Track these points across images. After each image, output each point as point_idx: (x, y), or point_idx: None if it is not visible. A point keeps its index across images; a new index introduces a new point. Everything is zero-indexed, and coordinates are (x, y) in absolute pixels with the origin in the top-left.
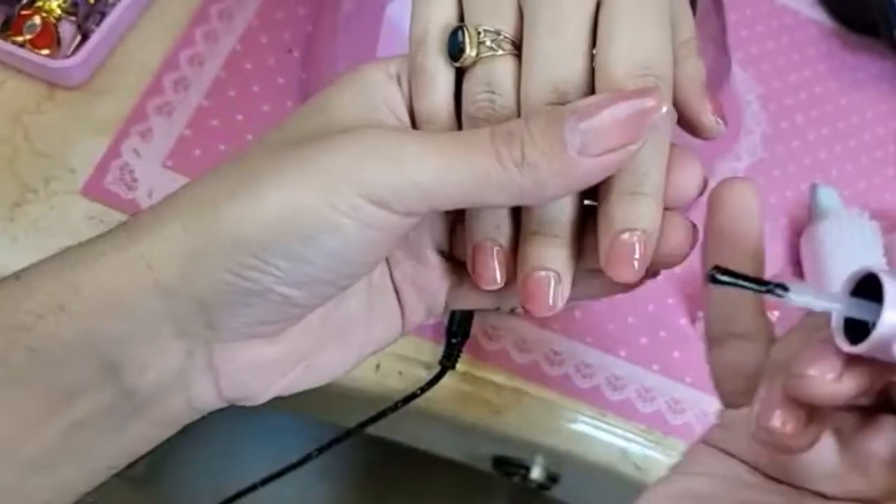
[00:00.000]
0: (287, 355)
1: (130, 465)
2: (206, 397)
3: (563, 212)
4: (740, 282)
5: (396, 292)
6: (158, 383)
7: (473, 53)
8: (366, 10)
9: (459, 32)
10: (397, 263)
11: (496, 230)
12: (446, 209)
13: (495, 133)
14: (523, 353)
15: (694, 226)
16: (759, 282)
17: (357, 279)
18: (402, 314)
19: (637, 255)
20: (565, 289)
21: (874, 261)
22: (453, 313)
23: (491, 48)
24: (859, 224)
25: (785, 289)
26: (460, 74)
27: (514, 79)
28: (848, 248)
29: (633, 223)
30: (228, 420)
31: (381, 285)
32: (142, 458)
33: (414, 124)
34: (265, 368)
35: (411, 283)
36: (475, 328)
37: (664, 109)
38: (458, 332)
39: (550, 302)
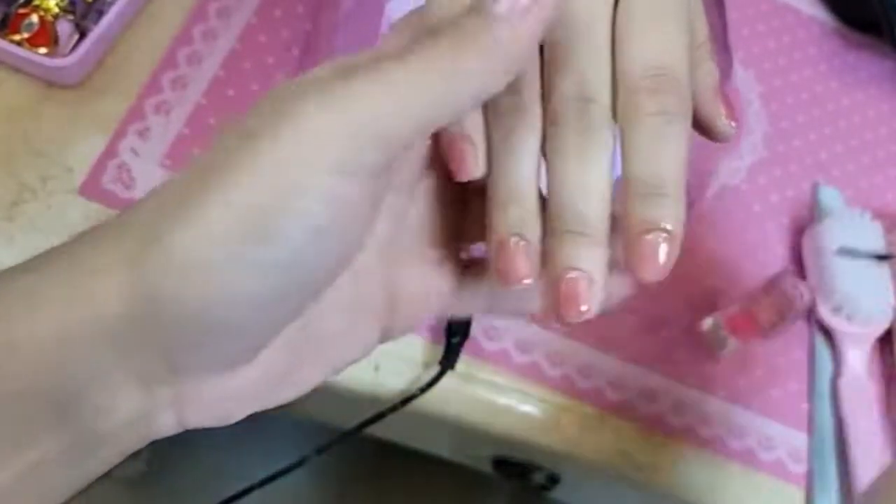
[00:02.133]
0: (259, 380)
1: (128, 467)
2: (167, 428)
3: (595, 207)
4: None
5: (388, 300)
6: (115, 424)
7: None
8: (365, 8)
9: None
10: (392, 269)
11: (521, 224)
12: (410, 143)
13: (424, 43)
14: (523, 354)
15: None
16: None
17: (319, 284)
18: (385, 323)
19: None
20: (599, 292)
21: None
22: None
23: None
24: (861, 224)
25: None
26: None
27: (538, 72)
28: (850, 248)
29: (657, 222)
30: None
31: (363, 300)
32: (140, 458)
33: None
34: (233, 397)
35: (400, 295)
36: (475, 328)
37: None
38: (457, 332)
39: (584, 307)
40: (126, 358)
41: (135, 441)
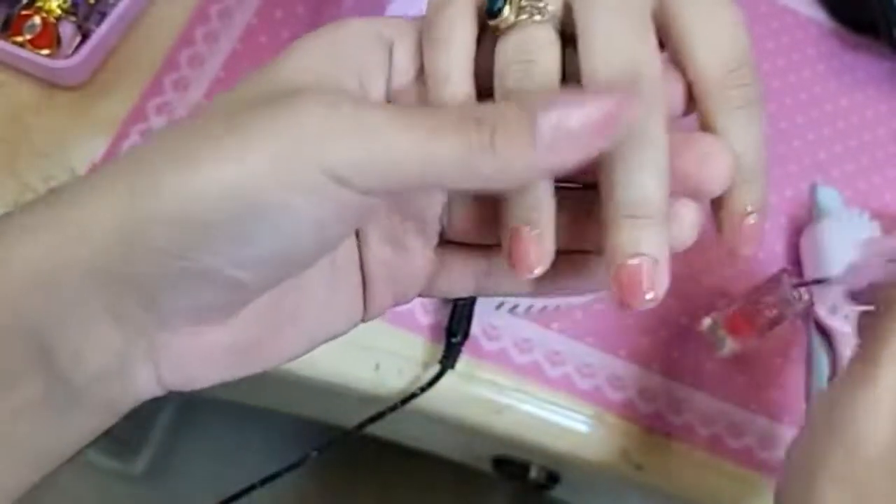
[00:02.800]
0: (234, 342)
1: (129, 464)
2: (146, 386)
3: (660, 186)
4: None
5: (364, 279)
6: (94, 371)
7: (513, 16)
8: (366, 8)
9: None
10: (371, 248)
11: (534, 212)
12: (402, 190)
13: (465, 115)
14: (523, 353)
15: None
16: None
17: (309, 261)
18: (366, 301)
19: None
20: (666, 275)
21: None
22: (453, 313)
23: (532, 12)
24: (859, 224)
25: None
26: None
27: (555, 49)
28: (848, 247)
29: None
30: (228, 420)
31: (345, 270)
32: (141, 456)
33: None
34: (210, 356)
35: (384, 270)
36: (475, 328)
37: (645, 114)
38: (457, 331)
39: (650, 294)
40: (108, 292)
41: (115, 399)
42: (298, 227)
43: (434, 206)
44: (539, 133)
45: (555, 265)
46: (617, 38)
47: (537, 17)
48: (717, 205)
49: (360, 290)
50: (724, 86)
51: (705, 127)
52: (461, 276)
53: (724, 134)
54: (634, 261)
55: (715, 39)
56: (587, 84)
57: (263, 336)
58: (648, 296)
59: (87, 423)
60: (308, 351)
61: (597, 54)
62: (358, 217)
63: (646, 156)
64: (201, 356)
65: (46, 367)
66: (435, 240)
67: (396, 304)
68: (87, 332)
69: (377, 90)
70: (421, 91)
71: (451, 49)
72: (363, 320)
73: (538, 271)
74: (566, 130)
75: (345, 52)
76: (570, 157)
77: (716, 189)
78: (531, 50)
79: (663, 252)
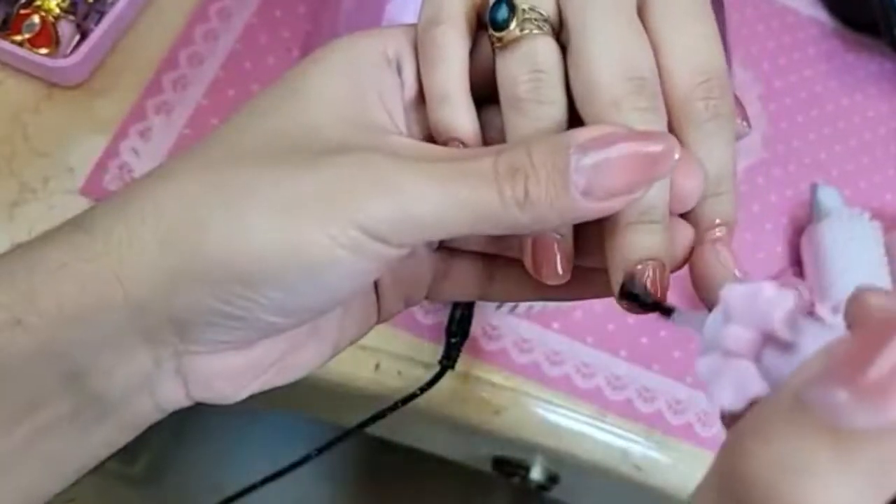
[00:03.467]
0: (260, 360)
1: (129, 465)
2: (173, 400)
3: (661, 194)
4: (640, 300)
5: (375, 287)
6: (124, 389)
7: (518, 30)
8: (366, 8)
9: (504, 4)
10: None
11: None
12: (439, 239)
13: (498, 168)
14: (523, 353)
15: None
16: (657, 305)
17: (343, 303)
18: (379, 307)
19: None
20: (667, 276)
21: (875, 260)
22: (453, 313)
23: (536, 26)
24: (860, 224)
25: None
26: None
27: (560, 61)
28: (849, 247)
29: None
30: (228, 420)
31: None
32: (141, 457)
33: (411, 120)
34: (237, 374)
35: (393, 277)
36: (475, 328)
37: (676, 157)
38: (457, 331)
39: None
40: (139, 327)
41: (143, 411)
42: (341, 279)
43: None
44: (574, 177)
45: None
46: (615, 46)
47: (540, 30)
48: (686, 217)
49: (374, 298)
50: (692, 98)
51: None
52: (465, 282)
53: (691, 146)
54: (643, 266)
55: (686, 51)
56: (587, 93)
57: (288, 352)
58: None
59: (114, 436)
60: (330, 359)
61: (595, 61)
62: (392, 264)
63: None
64: (228, 375)
65: (76, 388)
66: (433, 247)
67: (407, 306)
68: (118, 355)
69: (398, 112)
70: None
71: (447, 67)
72: (379, 322)
73: (564, 277)
74: (600, 170)
75: (362, 78)
76: (603, 206)
77: (687, 203)
78: (539, 62)
79: (667, 254)
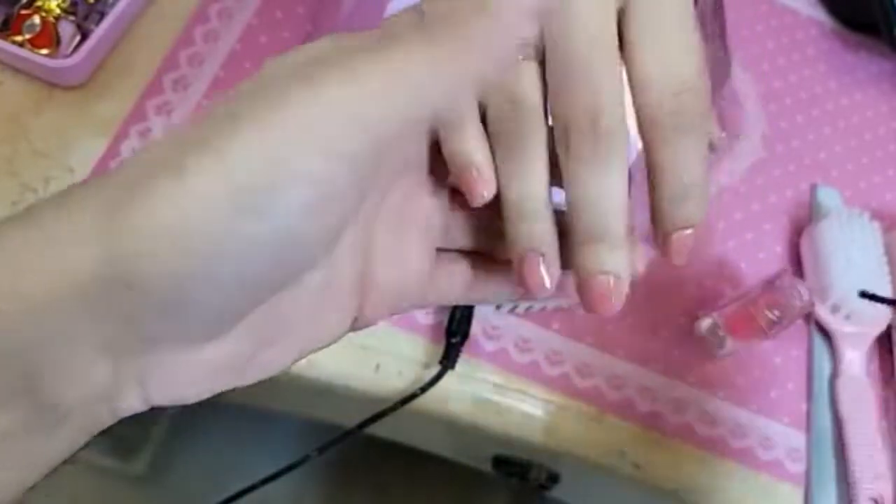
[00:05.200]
0: (223, 358)
1: (129, 464)
2: (132, 406)
3: (616, 215)
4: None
5: (362, 289)
6: (81, 397)
7: None
8: (366, 9)
9: None
10: (373, 258)
11: (538, 238)
12: (395, 133)
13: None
14: (523, 353)
15: None
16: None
17: (301, 265)
18: (361, 311)
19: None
20: (625, 286)
21: (875, 260)
22: (453, 313)
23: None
24: (860, 224)
25: None
26: None
27: (540, 86)
28: (848, 247)
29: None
30: (229, 420)
31: (337, 282)
32: (141, 456)
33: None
34: (199, 373)
35: (383, 280)
36: (475, 328)
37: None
38: (457, 332)
39: (615, 303)
40: (96, 324)
41: (99, 418)
42: (292, 214)
43: (437, 219)
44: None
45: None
46: (582, 72)
47: (520, 55)
48: (653, 215)
49: (351, 302)
50: (661, 111)
51: (644, 144)
52: (450, 285)
53: (659, 158)
54: (600, 278)
55: (660, 63)
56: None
57: (253, 350)
58: (614, 303)
59: (72, 439)
60: (296, 362)
61: (560, 86)
62: (349, 198)
63: (605, 187)
64: (190, 374)
65: (32, 393)
66: (433, 250)
67: (392, 314)
68: (73, 359)
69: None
70: None
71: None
72: (356, 329)
73: (550, 289)
74: None
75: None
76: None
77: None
78: (517, 91)
79: (624, 268)
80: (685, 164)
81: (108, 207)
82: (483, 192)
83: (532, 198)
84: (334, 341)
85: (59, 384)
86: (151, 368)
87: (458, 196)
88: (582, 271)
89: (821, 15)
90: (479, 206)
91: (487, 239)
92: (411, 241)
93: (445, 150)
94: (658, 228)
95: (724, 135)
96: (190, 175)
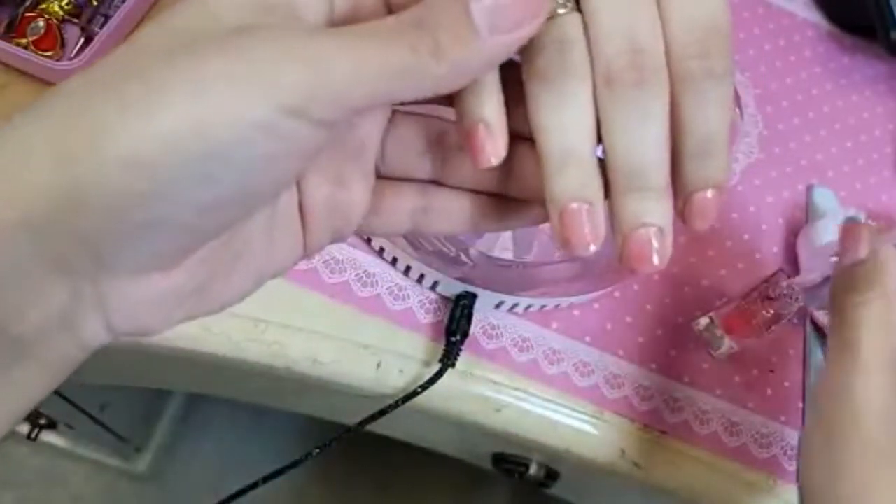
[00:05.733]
0: (183, 286)
1: (132, 462)
2: (96, 335)
3: (659, 160)
4: None
5: (302, 216)
6: (39, 325)
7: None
8: None
9: None
10: (311, 187)
11: (583, 187)
12: (361, 110)
13: (403, 21)
14: (523, 352)
15: None
16: None
17: (264, 200)
18: (305, 239)
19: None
20: (669, 243)
21: None
22: (453, 312)
23: (560, 5)
24: None
25: None
26: None
27: (582, 32)
28: None
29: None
30: (231, 418)
31: (285, 209)
32: (144, 455)
33: None
34: (161, 301)
35: (323, 208)
36: (475, 327)
37: None
38: (457, 330)
39: (656, 260)
40: (50, 248)
41: (66, 350)
42: (255, 163)
43: (373, 141)
44: (477, 18)
45: (496, 206)
46: (620, 13)
47: (565, 8)
48: (674, 176)
49: (299, 227)
50: (685, 55)
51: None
52: (396, 215)
53: (682, 104)
54: (642, 231)
55: (686, 7)
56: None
57: (212, 278)
58: (655, 261)
59: (37, 380)
60: (256, 288)
61: (600, 27)
62: (312, 150)
63: (647, 131)
64: (151, 302)
65: None
66: (372, 177)
67: (334, 241)
68: (27, 286)
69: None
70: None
71: (485, 97)
72: (309, 254)
73: (495, 161)
74: (501, 10)
75: None
76: (512, 37)
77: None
78: (563, 35)
79: (668, 221)
80: (710, 114)
81: (70, 126)
82: (492, 156)
83: (579, 145)
84: (292, 266)
85: (13, 312)
86: (110, 293)
87: (397, 121)
88: (624, 224)
89: (817, 18)
90: (484, 167)
91: (433, 166)
92: (347, 169)
93: (456, 106)
94: (680, 190)
95: (738, 111)
96: (148, 107)
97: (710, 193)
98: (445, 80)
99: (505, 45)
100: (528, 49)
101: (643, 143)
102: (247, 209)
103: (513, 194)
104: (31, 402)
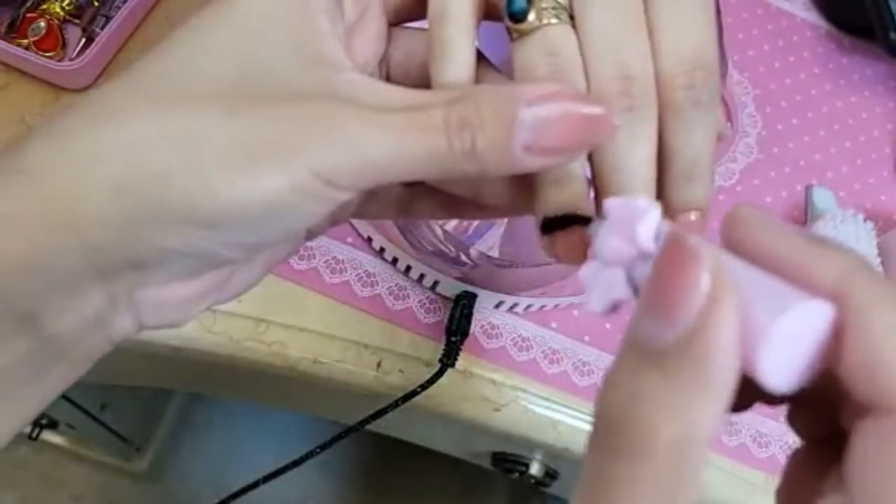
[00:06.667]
0: (209, 287)
1: (133, 462)
2: (124, 330)
3: (643, 183)
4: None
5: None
6: (78, 327)
7: (537, 21)
8: None
9: None
10: None
11: (575, 205)
12: (390, 183)
13: (449, 120)
14: (522, 352)
15: None
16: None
17: (298, 237)
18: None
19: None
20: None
21: (869, 261)
22: (453, 312)
23: (553, 15)
24: (854, 225)
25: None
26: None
27: (577, 49)
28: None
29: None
30: (231, 417)
31: None
32: (145, 454)
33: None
34: (187, 301)
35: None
36: (474, 327)
37: (615, 123)
38: (457, 330)
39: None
40: (100, 264)
41: (96, 344)
42: (298, 219)
43: None
44: (518, 132)
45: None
46: (610, 40)
47: (557, 19)
48: (659, 200)
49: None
50: (674, 85)
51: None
52: (386, 203)
53: (669, 132)
54: (692, 216)
55: (676, 38)
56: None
57: (232, 275)
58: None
59: (66, 375)
60: (266, 275)
61: (590, 47)
62: (345, 203)
63: (635, 154)
64: (179, 302)
65: (30, 332)
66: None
67: (332, 225)
68: (72, 297)
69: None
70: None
71: (454, 67)
72: (310, 238)
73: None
74: (543, 126)
75: (310, 1)
76: (547, 161)
77: None
78: (556, 48)
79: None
80: (695, 139)
81: (133, 170)
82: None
83: (570, 163)
84: (293, 255)
85: (57, 318)
86: (142, 298)
87: None
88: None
89: (816, 18)
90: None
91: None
92: None
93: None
94: (664, 213)
95: (729, 125)
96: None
97: (693, 216)
98: (469, 175)
99: (539, 165)
100: (519, 63)
101: (630, 165)
102: (278, 244)
103: (485, 202)
104: (57, 393)
